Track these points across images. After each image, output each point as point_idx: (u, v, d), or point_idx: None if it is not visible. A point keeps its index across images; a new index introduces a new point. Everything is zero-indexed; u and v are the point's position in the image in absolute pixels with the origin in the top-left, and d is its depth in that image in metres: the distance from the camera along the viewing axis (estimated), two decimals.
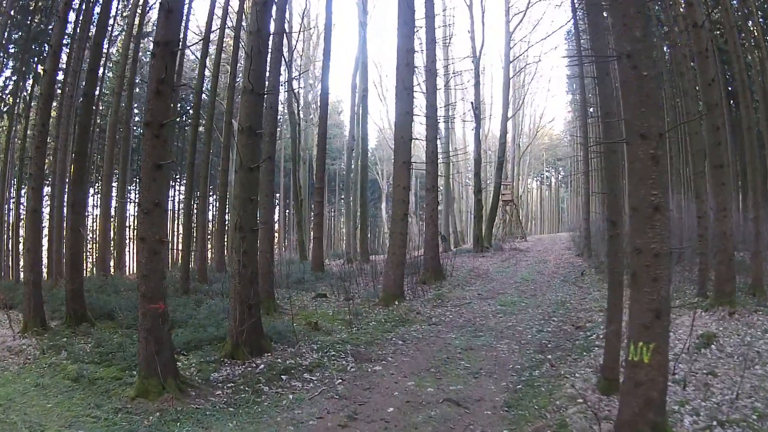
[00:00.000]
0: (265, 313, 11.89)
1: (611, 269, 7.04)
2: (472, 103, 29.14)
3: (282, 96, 26.80)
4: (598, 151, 25.71)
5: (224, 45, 23.18)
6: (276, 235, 51.66)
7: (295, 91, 29.68)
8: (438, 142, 24.43)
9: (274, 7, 11.08)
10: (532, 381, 7.59)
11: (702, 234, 13.83)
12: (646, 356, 4.89)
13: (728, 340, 8.89)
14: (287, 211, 48.12)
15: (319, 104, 25.27)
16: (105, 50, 25.99)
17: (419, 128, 24.21)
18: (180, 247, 21.30)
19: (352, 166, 32.15)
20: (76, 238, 11.84)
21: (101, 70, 25.98)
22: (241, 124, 9.25)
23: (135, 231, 26.39)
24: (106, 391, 7.21)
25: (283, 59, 18.09)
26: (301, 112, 33.68)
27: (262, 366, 8.23)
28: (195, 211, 22.72)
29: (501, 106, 31.62)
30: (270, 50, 10.72)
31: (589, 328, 10.50)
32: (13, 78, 24.06)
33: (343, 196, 47.03)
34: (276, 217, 57.31)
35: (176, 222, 37.70)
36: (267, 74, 10.38)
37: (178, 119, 34.44)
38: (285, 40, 21.57)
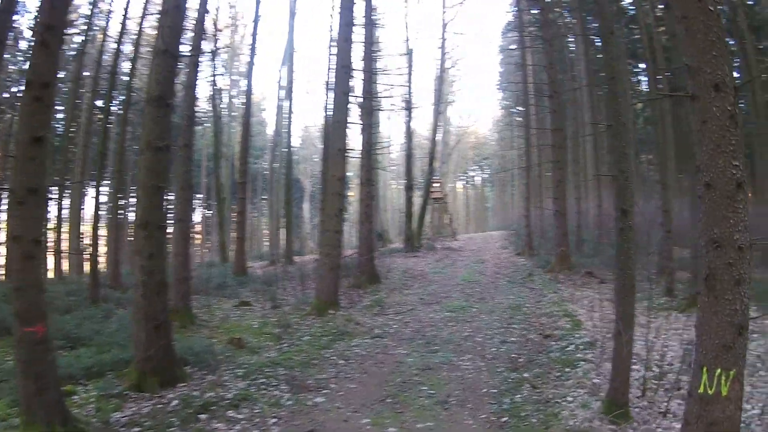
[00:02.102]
0: (181, 327, 10.08)
1: (622, 270, 5.57)
2: (403, 94, 27.76)
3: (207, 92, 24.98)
4: (544, 143, 25.06)
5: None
6: (199, 236, 49.08)
7: (219, 86, 27.78)
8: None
9: None
10: (517, 410, 6.03)
11: (669, 229, 12.98)
12: (725, 387, 3.52)
13: None
14: (210, 212, 45.54)
15: (245, 92, 23.32)
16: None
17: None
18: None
19: (275, 164, 30.28)
20: None
21: None
22: (149, 93, 7.23)
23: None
24: None
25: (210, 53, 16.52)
26: (224, 108, 31.76)
27: (176, 402, 6.20)
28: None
29: (431, 100, 30.71)
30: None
31: (559, 337, 9.11)
32: None
33: (265, 196, 44.83)
34: (198, 218, 54.43)
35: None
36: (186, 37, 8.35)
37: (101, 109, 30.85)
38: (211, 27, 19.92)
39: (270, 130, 43.42)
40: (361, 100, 16.47)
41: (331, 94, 14.10)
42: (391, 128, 48.27)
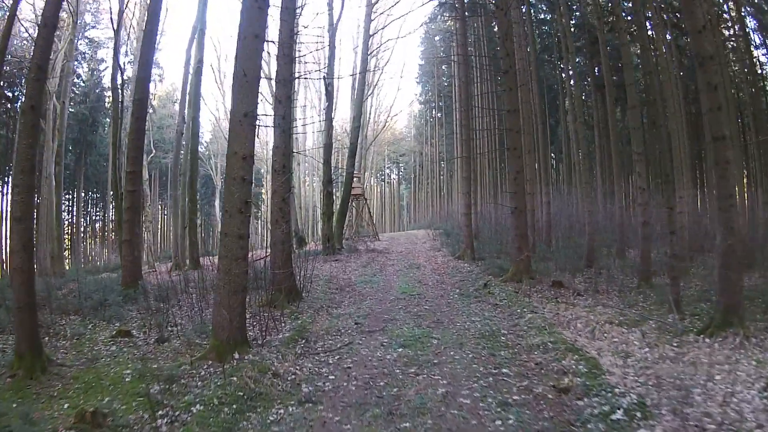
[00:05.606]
0: (26, 377, 7.09)
1: None
2: (324, 77, 24.29)
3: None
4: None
5: None
6: (109, 236, 43.85)
7: (121, 64, 23.30)
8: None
9: None
10: None
11: (674, 230, 10.29)
12: None
13: None
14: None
15: (139, 59, 18.67)
16: None
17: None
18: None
19: (181, 154, 26.15)
20: None
21: None
22: None
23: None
24: None
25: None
26: (126, 90, 27.20)
27: None
28: None
29: (352, 87, 27.66)
30: None
31: (582, 392, 5.99)
32: None
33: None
34: (110, 216, 48.62)
35: None
36: None
37: None
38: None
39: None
40: (276, 49, 12.67)
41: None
42: (306, 116, 44.39)
